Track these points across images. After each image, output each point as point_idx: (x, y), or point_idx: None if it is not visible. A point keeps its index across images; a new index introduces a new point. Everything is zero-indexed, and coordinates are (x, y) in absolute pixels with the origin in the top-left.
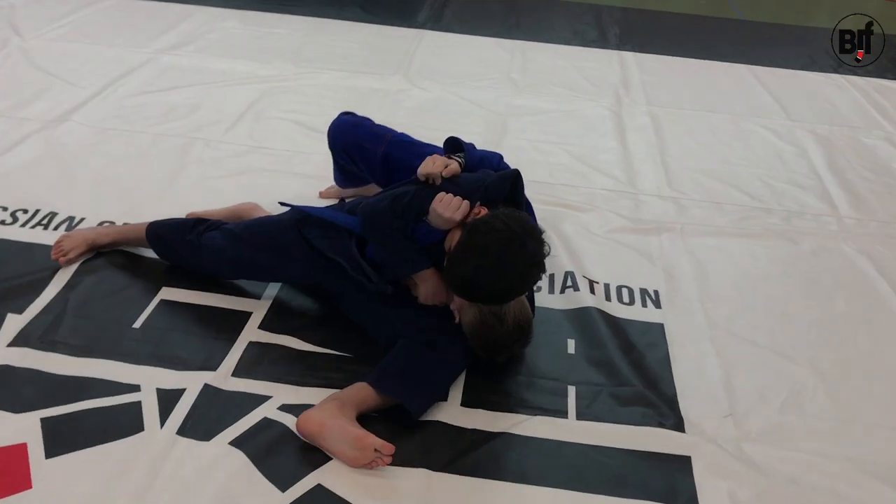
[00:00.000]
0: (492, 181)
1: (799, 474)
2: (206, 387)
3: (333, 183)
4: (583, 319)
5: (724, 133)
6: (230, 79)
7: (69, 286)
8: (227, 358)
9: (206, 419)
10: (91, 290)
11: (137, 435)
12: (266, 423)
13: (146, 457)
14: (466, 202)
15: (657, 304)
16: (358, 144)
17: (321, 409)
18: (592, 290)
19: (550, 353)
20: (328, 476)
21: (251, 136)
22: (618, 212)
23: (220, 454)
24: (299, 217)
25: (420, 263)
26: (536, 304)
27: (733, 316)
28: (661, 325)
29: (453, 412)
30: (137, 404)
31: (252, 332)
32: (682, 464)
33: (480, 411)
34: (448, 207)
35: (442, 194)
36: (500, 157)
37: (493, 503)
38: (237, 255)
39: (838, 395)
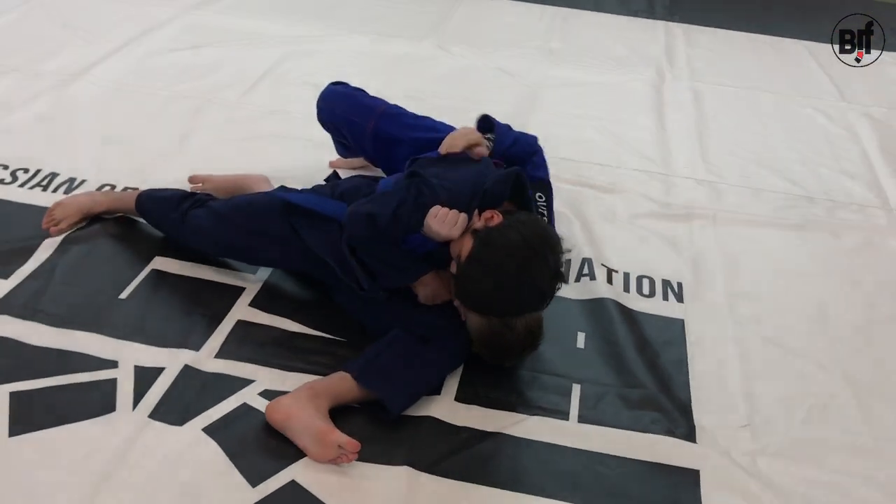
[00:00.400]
0: (490, 184)
1: (819, 496)
2: (186, 367)
3: None
4: (596, 311)
5: (770, 113)
6: (255, 38)
7: (60, 251)
8: (212, 336)
9: (181, 402)
10: (82, 256)
11: (108, 416)
12: (245, 409)
13: (113, 441)
14: (464, 216)
15: (679, 298)
16: (346, 118)
17: (292, 397)
18: (610, 280)
19: (558, 346)
20: (303, 472)
21: (268, 100)
22: (647, 195)
23: (192, 442)
24: (286, 205)
25: (418, 271)
26: None
27: (762, 315)
28: (682, 322)
29: (446, 407)
30: (113, 382)
31: (242, 310)
32: (690, 478)
33: (475, 408)
34: (444, 224)
35: (437, 208)
36: (535, 138)
37: None
38: (221, 237)
39: (872, 410)
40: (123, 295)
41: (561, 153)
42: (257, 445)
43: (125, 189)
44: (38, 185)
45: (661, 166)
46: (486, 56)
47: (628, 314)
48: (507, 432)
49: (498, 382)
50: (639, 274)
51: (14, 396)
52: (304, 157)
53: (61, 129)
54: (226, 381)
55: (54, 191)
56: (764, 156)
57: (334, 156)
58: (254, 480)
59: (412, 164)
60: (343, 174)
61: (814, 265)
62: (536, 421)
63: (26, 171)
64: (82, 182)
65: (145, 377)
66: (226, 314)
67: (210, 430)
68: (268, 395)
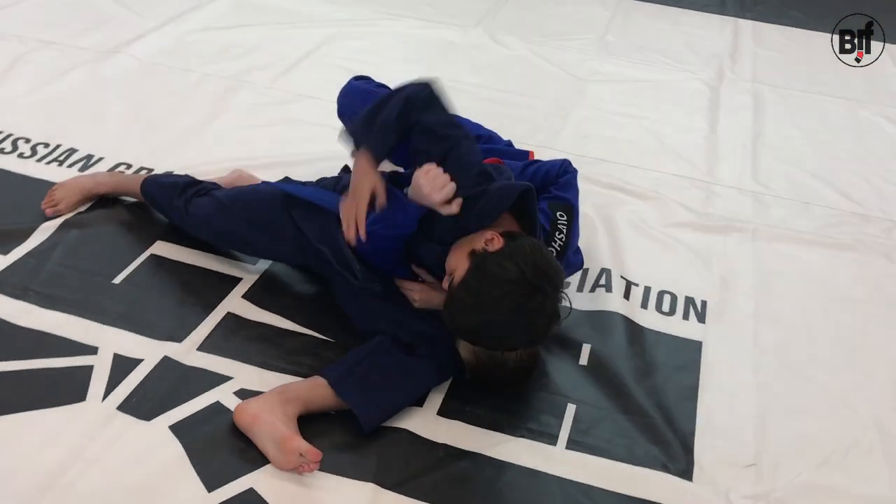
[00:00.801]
0: (493, 190)
1: None
2: (166, 359)
3: None
4: (607, 326)
5: (836, 121)
6: (300, 20)
7: (62, 231)
8: (198, 328)
9: (153, 396)
10: (83, 237)
11: (75, 405)
12: (217, 408)
13: (76, 432)
14: (452, 185)
15: (701, 318)
16: None
17: (262, 400)
18: (627, 294)
19: (558, 361)
20: (263, 480)
21: (301, 84)
22: (684, 203)
23: (155, 440)
24: (287, 197)
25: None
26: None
27: (790, 342)
28: (700, 344)
29: (426, 421)
30: (88, 369)
31: (234, 302)
32: None
33: (457, 423)
34: (433, 184)
35: (431, 166)
36: (567, 161)
37: None
38: (222, 227)
39: None
40: (117, 279)
41: (596, 153)
42: (221, 448)
43: (140, 170)
44: (55, 160)
45: (704, 173)
46: (537, 47)
47: (641, 332)
48: (486, 453)
49: (486, 398)
50: (661, 289)
51: None
52: (326, 146)
53: (88, 105)
54: (203, 377)
55: (70, 167)
56: (821, 167)
57: None
58: (211, 485)
59: None
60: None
61: (859, 291)
62: (521, 443)
63: (47, 145)
64: (99, 160)
65: (122, 366)
66: (216, 305)
67: (176, 429)
68: (243, 394)
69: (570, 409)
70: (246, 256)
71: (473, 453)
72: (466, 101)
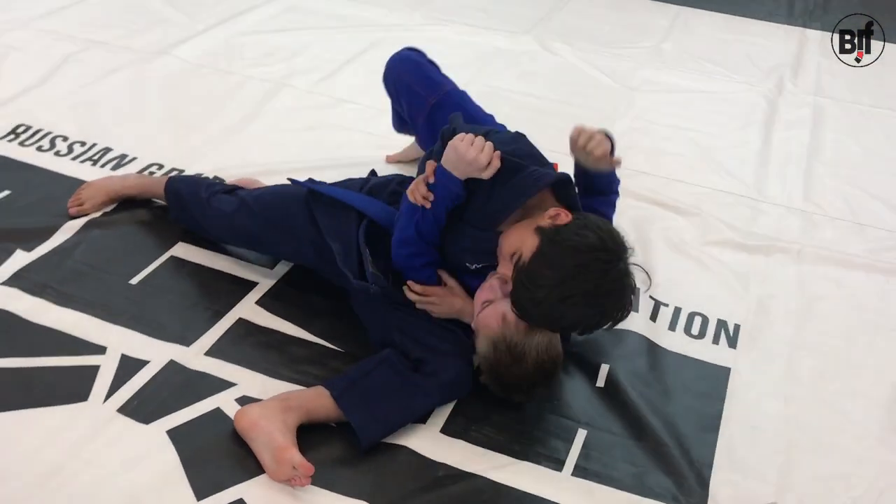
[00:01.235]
0: (531, 169)
1: None
2: (172, 362)
3: (403, 149)
4: (628, 347)
5: None
6: (348, 24)
7: (85, 230)
8: (208, 332)
9: (155, 399)
10: (105, 237)
11: (77, 405)
12: (216, 415)
13: (74, 433)
14: (490, 144)
15: (732, 343)
16: (409, 86)
17: (263, 406)
18: (654, 315)
19: (573, 382)
20: (253, 492)
21: (342, 88)
22: (727, 221)
23: (151, 444)
24: (311, 193)
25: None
26: None
27: (828, 373)
28: (728, 370)
29: (427, 439)
30: (95, 369)
31: (246, 308)
32: None
33: (460, 443)
34: (471, 148)
35: (463, 134)
36: (619, 181)
37: None
38: (242, 223)
39: None
40: (134, 280)
41: (638, 166)
42: (215, 456)
43: (171, 170)
44: (89, 158)
45: (752, 189)
46: (587, 54)
47: (665, 356)
48: (487, 476)
49: (492, 417)
50: (691, 310)
51: None
52: (360, 152)
53: (128, 105)
54: (206, 382)
55: (102, 166)
56: (882, 187)
57: (391, 151)
58: (200, 493)
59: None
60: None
61: None
62: (525, 467)
63: (83, 144)
64: (133, 160)
65: (128, 368)
66: (229, 310)
67: (173, 434)
68: (244, 401)
69: (581, 434)
70: (264, 260)
71: (473, 475)
72: (509, 109)
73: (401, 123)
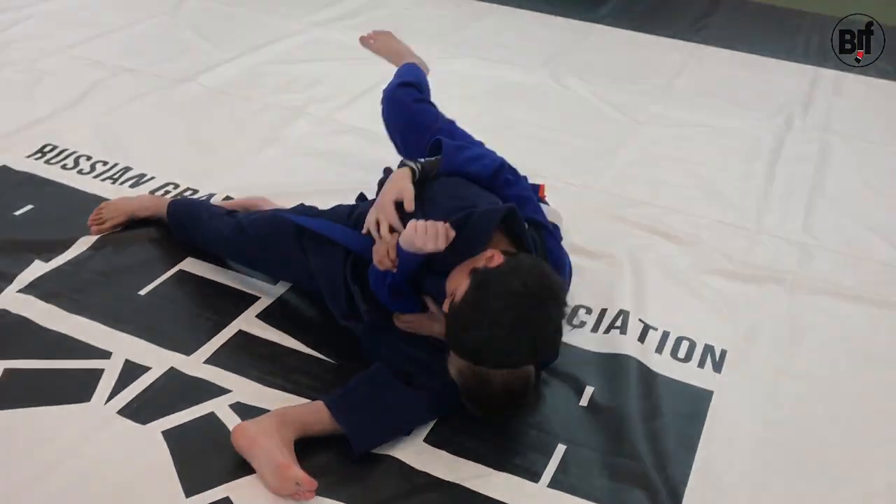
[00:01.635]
0: (477, 215)
1: None
2: (172, 369)
3: None
4: (614, 368)
5: None
6: (367, 56)
7: (101, 242)
8: (209, 343)
9: (153, 402)
10: (118, 251)
11: (79, 404)
12: (210, 419)
13: (74, 430)
14: (447, 228)
15: (717, 367)
16: (401, 130)
17: (259, 422)
18: (642, 338)
19: (557, 400)
20: (240, 491)
21: (357, 116)
22: (723, 251)
23: (146, 443)
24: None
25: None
26: (571, 341)
27: (811, 399)
28: (711, 394)
29: (411, 448)
30: (99, 372)
31: (246, 321)
32: None
33: (442, 453)
34: (427, 238)
35: (414, 222)
36: (501, 161)
37: None
38: (239, 246)
39: None
40: (143, 291)
41: (637, 196)
42: (206, 457)
43: (186, 190)
44: (109, 177)
45: (750, 221)
46: (598, 89)
47: (649, 376)
48: (465, 484)
49: (475, 430)
50: (679, 335)
51: (6, 373)
52: (369, 177)
53: (151, 127)
54: (203, 388)
55: (121, 184)
56: (883, 221)
57: None
58: (190, 491)
59: None
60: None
61: None
62: (502, 478)
63: (105, 163)
64: (150, 178)
65: (131, 373)
66: (230, 322)
67: (168, 435)
68: (239, 407)
69: (560, 449)
70: (267, 278)
71: (452, 483)
72: (515, 139)
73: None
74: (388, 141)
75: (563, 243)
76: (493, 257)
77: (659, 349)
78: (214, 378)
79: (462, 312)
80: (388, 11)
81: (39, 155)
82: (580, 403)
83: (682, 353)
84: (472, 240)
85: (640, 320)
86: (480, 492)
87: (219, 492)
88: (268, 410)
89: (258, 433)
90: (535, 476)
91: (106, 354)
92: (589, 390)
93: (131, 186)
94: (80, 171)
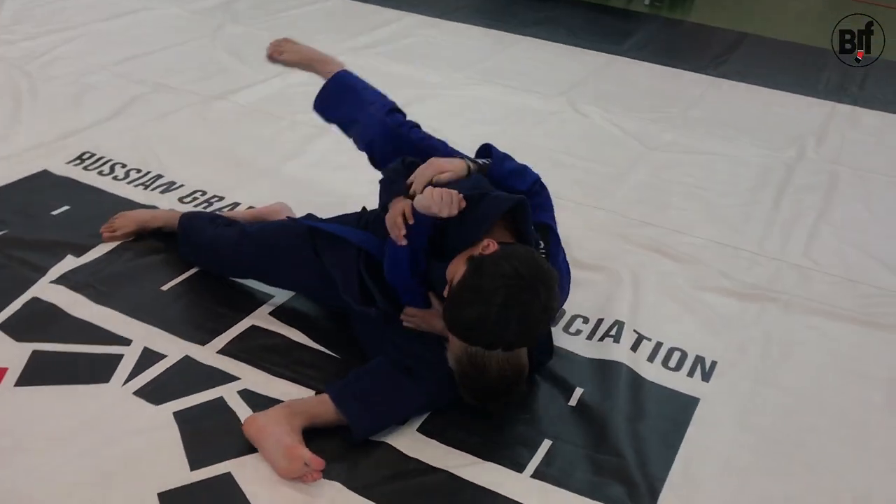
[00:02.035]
0: (489, 198)
1: None
2: (186, 357)
3: None
4: (605, 373)
5: None
6: (394, 81)
7: (130, 243)
8: (222, 335)
9: (167, 386)
10: (146, 251)
11: (99, 385)
12: (219, 403)
13: (92, 406)
14: (460, 199)
15: (706, 377)
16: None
17: (268, 413)
18: (635, 347)
19: (547, 399)
20: (241, 469)
21: None
22: (723, 270)
23: (158, 421)
24: (311, 229)
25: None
26: (565, 347)
27: (794, 409)
28: (697, 401)
29: (404, 436)
30: (119, 357)
31: (259, 317)
32: None
33: (433, 442)
34: (441, 202)
35: (431, 188)
36: (536, 177)
37: None
38: (247, 253)
39: None
40: (165, 287)
41: (643, 217)
42: (212, 436)
43: (212, 197)
44: (141, 184)
45: (752, 244)
46: (615, 117)
47: (638, 381)
48: (453, 472)
49: (467, 423)
50: (672, 346)
51: (35, 354)
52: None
53: (184, 140)
54: (214, 375)
55: (153, 190)
56: (885, 250)
57: None
58: (194, 465)
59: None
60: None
61: (885, 371)
62: (488, 467)
63: (139, 171)
64: (180, 186)
65: (148, 359)
66: (244, 317)
67: (179, 415)
68: (246, 394)
69: (546, 444)
70: None
71: (441, 470)
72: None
73: None
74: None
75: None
76: (489, 245)
77: (651, 358)
78: (225, 367)
79: (458, 293)
80: (417, 40)
81: (78, 161)
82: (569, 403)
83: (672, 363)
84: (479, 218)
85: (634, 331)
86: (467, 478)
87: (221, 467)
88: (274, 398)
89: (267, 422)
90: (519, 467)
91: (126, 341)
92: (578, 392)
93: (161, 193)
94: (114, 178)
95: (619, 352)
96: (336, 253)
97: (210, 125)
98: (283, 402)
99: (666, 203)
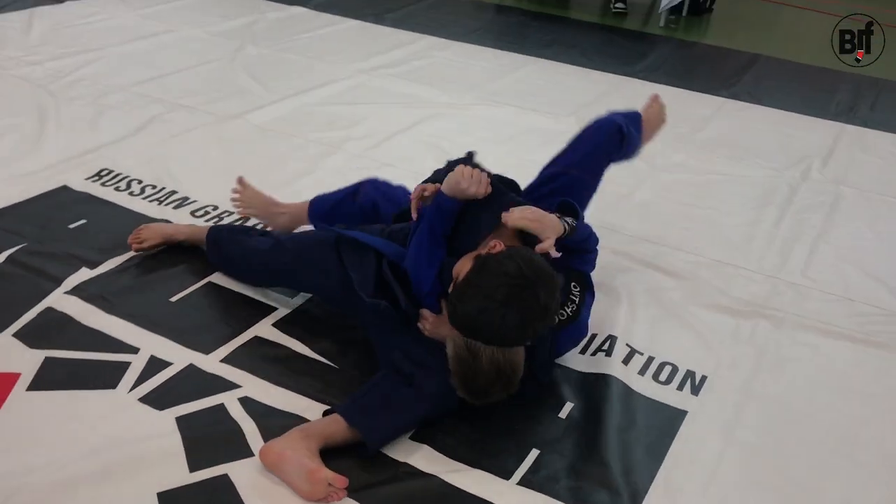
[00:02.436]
0: (509, 197)
1: None
2: (191, 365)
3: None
4: (596, 387)
5: None
6: (406, 101)
7: (141, 258)
8: (227, 344)
9: (171, 393)
10: (157, 264)
11: (105, 391)
12: (220, 409)
13: (98, 411)
14: (487, 181)
15: (695, 391)
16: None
17: (284, 438)
18: (627, 361)
19: (538, 411)
20: (238, 471)
21: (388, 154)
22: (721, 288)
23: (160, 425)
24: (339, 237)
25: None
26: (558, 360)
27: (780, 423)
28: (685, 413)
29: (396, 441)
30: (126, 364)
31: (263, 328)
32: None
33: (424, 447)
34: (472, 179)
35: (461, 167)
36: (598, 240)
37: None
38: (278, 258)
39: None
40: (174, 298)
41: (643, 233)
42: (212, 441)
43: (224, 212)
44: (156, 199)
45: (751, 262)
46: None
47: (628, 393)
48: (441, 477)
49: (458, 430)
50: (664, 360)
51: (48, 361)
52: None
53: (198, 157)
54: (216, 383)
55: (167, 205)
56: (885, 270)
57: None
58: (193, 467)
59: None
60: None
61: (876, 387)
62: (475, 474)
63: (154, 186)
64: (192, 201)
65: (154, 366)
66: (248, 328)
67: (180, 420)
68: (246, 401)
69: (534, 453)
70: (286, 293)
71: (429, 475)
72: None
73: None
74: (413, 176)
75: None
76: (495, 246)
77: (642, 371)
78: (228, 375)
79: (461, 288)
80: (430, 61)
81: (96, 177)
82: (559, 415)
83: (663, 377)
84: (496, 202)
85: (627, 345)
86: (454, 484)
87: (219, 469)
88: (272, 407)
89: (284, 447)
90: (507, 474)
91: (134, 350)
92: (569, 405)
93: (174, 208)
94: (130, 193)
95: (610, 365)
96: (357, 255)
97: (224, 143)
98: (298, 414)
99: (667, 221)
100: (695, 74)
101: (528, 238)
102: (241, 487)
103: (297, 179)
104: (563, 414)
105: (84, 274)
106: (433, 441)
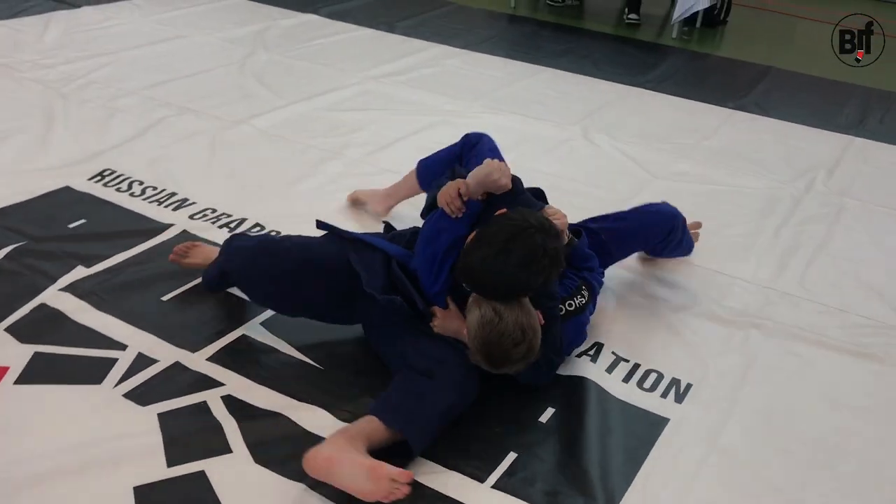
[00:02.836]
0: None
1: None
2: (176, 363)
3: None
4: (578, 393)
5: None
6: (411, 108)
7: (137, 259)
8: (213, 343)
9: (155, 389)
10: (151, 265)
11: (91, 386)
12: (202, 406)
13: (82, 406)
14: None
15: (679, 399)
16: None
17: (329, 443)
18: (611, 368)
19: (518, 415)
20: (214, 467)
21: (387, 160)
22: (714, 298)
23: (142, 421)
24: (348, 240)
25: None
26: None
27: (762, 436)
28: (666, 420)
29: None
30: (113, 361)
31: (252, 327)
32: None
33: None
34: (503, 170)
35: (490, 160)
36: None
37: None
38: (278, 264)
39: None
40: (165, 297)
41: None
42: (191, 437)
43: (222, 214)
44: (155, 200)
45: (747, 272)
46: (625, 146)
47: (610, 401)
48: (418, 478)
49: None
50: (649, 367)
51: (37, 355)
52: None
53: (201, 160)
54: (200, 380)
55: (165, 206)
56: (882, 282)
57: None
58: (170, 462)
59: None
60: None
61: (863, 399)
62: (451, 476)
63: (154, 188)
64: (192, 203)
65: (140, 363)
66: (236, 328)
67: (162, 416)
68: (229, 400)
69: (511, 456)
70: None
71: None
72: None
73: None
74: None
75: None
76: (504, 212)
77: (626, 378)
78: (212, 373)
79: (468, 245)
80: (439, 69)
81: (99, 178)
82: (539, 419)
83: (647, 384)
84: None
85: (613, 353)
86: (429, 485)
87: (195, 465)
88: (253, 405)
89: (332, 452)
90: (481, 477)
91: (122, 347)
92: (550, 410)
93: (174, 210)
94: (131, 194)
95: (595, 372)
96: (364, 255)
97: (227, 147)
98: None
99: None
100: (704, 85)
101: None
102: (217, 484)
103: (297, 183)
104: (544, 418)
105: (79, 272)
106: None
